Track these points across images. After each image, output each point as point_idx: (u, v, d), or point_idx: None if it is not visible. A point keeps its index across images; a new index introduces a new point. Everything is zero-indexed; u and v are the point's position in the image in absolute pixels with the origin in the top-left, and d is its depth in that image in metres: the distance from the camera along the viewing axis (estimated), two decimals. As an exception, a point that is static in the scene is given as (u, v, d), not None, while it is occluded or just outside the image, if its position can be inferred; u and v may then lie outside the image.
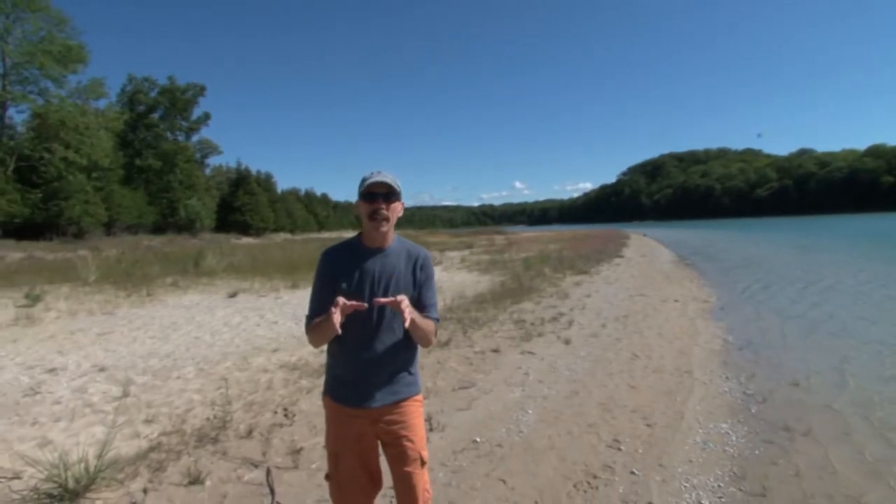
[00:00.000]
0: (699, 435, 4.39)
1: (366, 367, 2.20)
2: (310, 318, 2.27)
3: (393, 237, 2.29)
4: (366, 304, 2.07)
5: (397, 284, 2.23)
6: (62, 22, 38.93)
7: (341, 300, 2.03)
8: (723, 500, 3.39)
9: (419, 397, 2.37)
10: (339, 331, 2.00)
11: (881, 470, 3.79)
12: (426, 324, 2.23)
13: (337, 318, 1.99)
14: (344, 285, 2.20)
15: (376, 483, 2.36)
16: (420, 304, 2.28)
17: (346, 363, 2.23)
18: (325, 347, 2.32)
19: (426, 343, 2.30)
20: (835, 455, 4.02)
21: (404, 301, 2.06)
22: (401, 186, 2.23)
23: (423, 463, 2.30)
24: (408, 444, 2.26)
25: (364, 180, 2.19)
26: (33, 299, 10.82)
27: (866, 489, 3.51)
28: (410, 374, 2.32)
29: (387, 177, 2.18)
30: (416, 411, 2.32)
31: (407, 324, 2.05)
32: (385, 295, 2.17)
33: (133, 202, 50.22)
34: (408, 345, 2.26)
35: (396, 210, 2.23)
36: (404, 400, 2.28)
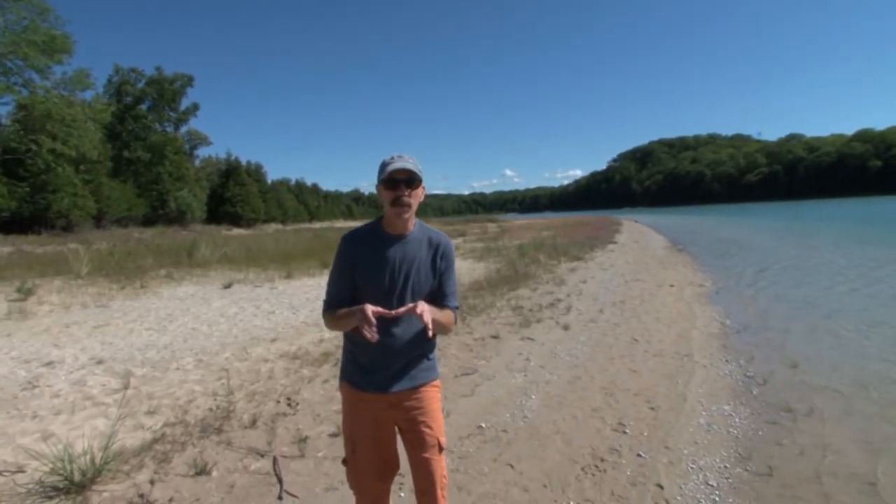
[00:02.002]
0: (703, 417, 4.42)
1: (386, 354, 2.17)
2: (328, 303, 2.26)
3: (414, 223, 2.24)
4: (392, 313, 2.03)
5: (418, 272, 2.20)
6: (45, 11, 38.18)
7: (369, 311, 1.98)
8: (729, 480, 3.42)
9: (437, 382, 2.34)
10: (377, 337, 1.98)
11: (884, 447, 3.83)
12: (445, 316, 2.20)
13: (374, 334, 1.97)
14: (362, 269, 2.18)
15: (393, 467, 2.35)
16: (439, 293, 2.25)
17: (367, 350, 2.18)
18: (332, 335, 2.31)
19: (446, 333, 2.29)
20: (838, 434, 4.07)
21: (424, 311, 2.00)
22: (422, 170, 2.16)
23: (440, 448, 2.28)
24: (426, 429, 2.24)
25: (385, 165, 2.13)
26: (25, 293, 10.70)
27: (871, 467, 3.55)
28: (429, 359, 2.29)
29: (408, 162, 2.12)
30: (433, 396, 2.30)
31: (430, 332, 2.04)
32: (405, 282, 2.16)
33: (122, 195, 49.66)
34: (426, 335, 2.19)
35: (419, 195, 2.17)
36: (422, 385, 2.26)
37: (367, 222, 2.33)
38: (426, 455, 2.23)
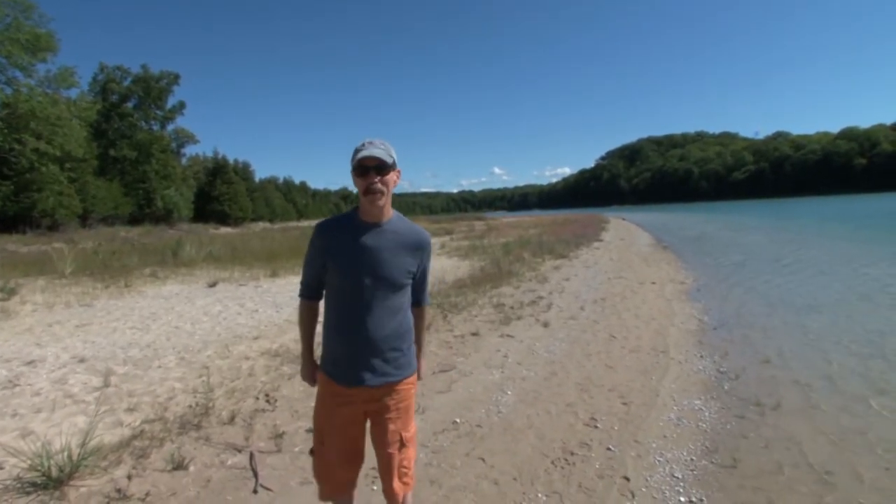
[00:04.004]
0: (673, 412, 4.52)
1: (357, 346, 2.19)
2: (303, 288, 2.39)
3: (391, 213, 2.24)
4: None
5: (390, 261, 2.18)
6: (29, 9, 37.76)
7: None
8: (695, 472, 3.51)
9: (412, 379, 2.37)
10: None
11: (845, 439, 3.96)
12: (423, 322, 2.51)
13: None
14: (334, 257, 2.21)
15: (360, 459, 2.39)
16: (414, 288, 2.34)
17: (338, 341, 2.23)
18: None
19: None
20: (801, 427, 4.18)
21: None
22: (395, 154, 2.16)
23: (402, 444, 2.32)
24: (391, 426, 2.28)
25: (356, 152, 2.13)
26: (8, 292, 10.65)
27: (831, 458, 3.67)
28: (404, 355, 2.30)
29: (377, 149, 2.10)
30: (406, 393, 2.31)
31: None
32: (376, 270, 2.15)
33: (108, 193, 49.34)
34: (398, 328, 2.24)
35: (391, 181, 2.16)
36: (396, 383, 2.27)
37: (345, 212, 2.34)
38: (389, 451, 2.29)
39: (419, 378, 2.45)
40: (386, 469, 2.33)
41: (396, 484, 2.33)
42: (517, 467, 3.60)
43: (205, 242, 23.13)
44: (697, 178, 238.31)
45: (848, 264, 13.61)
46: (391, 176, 2.15)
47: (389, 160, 2.12)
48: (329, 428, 2.31)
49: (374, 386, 2.22)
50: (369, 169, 2.10)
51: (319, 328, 2.40)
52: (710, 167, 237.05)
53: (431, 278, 10.85)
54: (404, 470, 2.35)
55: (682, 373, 5.54)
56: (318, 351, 2.40)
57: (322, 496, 2.45)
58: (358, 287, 2.15)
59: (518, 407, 4.66)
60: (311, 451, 2.42)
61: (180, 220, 58.25)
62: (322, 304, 2.40)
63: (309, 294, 2.39)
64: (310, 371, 2.44)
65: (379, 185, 2.10)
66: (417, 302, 2.43)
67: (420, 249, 2.27)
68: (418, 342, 2.45)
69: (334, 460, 2.33)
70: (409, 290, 2.29)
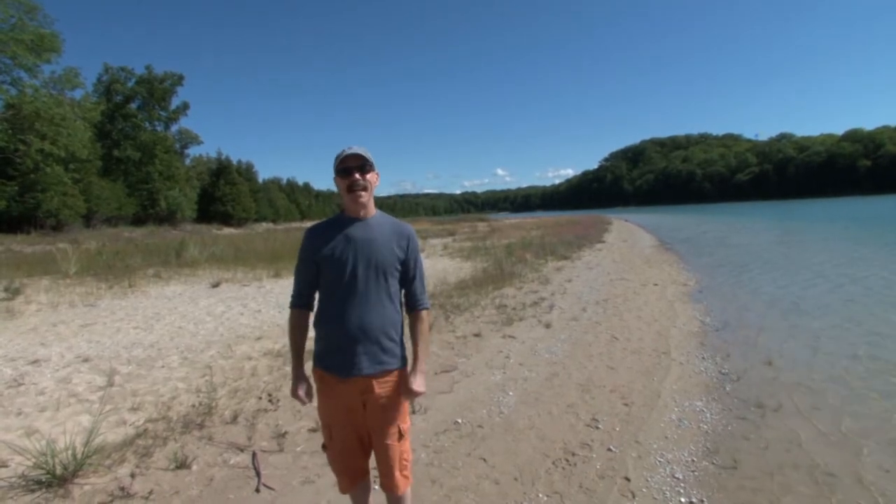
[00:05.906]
0: (675, 413, 4.53)
1: (350, 337, 2.24)
2: (295, 297, 2.41)
3: (375, 210, 2.37)
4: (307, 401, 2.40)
5: (380, 252, 2.29)
6: (33, 10, 37.82)
7: (300, 394, 2.39)
8: (696, 473, 3.52)
9: (405, 370, 2.42)
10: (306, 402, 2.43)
11: (845, 441, 3.96)
12: (425, 333, 2.42)
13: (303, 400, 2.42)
14: (326, 253, 2.28)
15: (368, 448, 2.45)
16: (411, 292, 2.41)
17: (331, 333, 2.29)
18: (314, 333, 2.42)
19: None
20: (802, 429, 4.18)
21: (419, 391, 2.36)
22: (372, 158, 2.30)
23: (401, 435, 2.38)
24: (387, 417, 2.34)
25: (338, 157, 2.29)
26: (13, 292, 10.71)
27: (830, 459, 3.67)
28: (395, 345, 2.36)
29: (359, 149, 2.27)
30: (398, 384, 2.37)
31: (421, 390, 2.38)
32: (369, 261, 2.26)
33: (112, 194, 49.48)
34: (392, 317, 2.32)
35: (373, 180, 2.32)
36: (388, 372, 2.33)
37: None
38: (387, 442, 2.34)
39: (416, 393, 2.37)
40: (386, 461, 2.36)
41: (398, 476, 2.38)
42: (518, 467, 3.61)
43: (208, 243, 23.17)
44: (701, 179, 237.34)
45: (851, 266, 13.60)
46: (372, 175, 2.31)
47: (370, 159, 2.28)
48: (334, 422, 2.37)
49: (369, 374, 2.28)
50: (352, 168, 2.25)
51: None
52: (713, 169, 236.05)
53: (433, 279, 10.82)
54: (404, 463, 2.41)
55: (683, 374, 5.54)
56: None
57: (342, 488, 2.51)
58: (353, 276, 2.24)
59: (519, 407, 4.68)
60: (324, 446, 2.47)
61: (184, 220, 58.36)
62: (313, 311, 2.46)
63: (301, 302, 2.42)
64: (303, 386, 2.41)
65: (362, 181, 2.25)
66: (415, 305, 2.44)
67: (403, 237, 2.37)
68: (417, 353, 2.41)
69: (346, 451, 2.40)
70: (398, 282, 2.37)
